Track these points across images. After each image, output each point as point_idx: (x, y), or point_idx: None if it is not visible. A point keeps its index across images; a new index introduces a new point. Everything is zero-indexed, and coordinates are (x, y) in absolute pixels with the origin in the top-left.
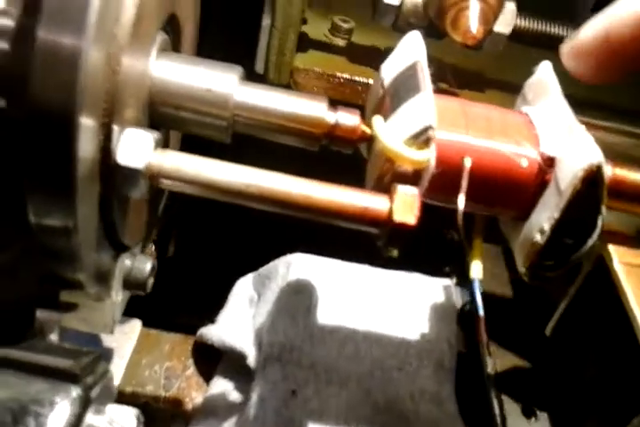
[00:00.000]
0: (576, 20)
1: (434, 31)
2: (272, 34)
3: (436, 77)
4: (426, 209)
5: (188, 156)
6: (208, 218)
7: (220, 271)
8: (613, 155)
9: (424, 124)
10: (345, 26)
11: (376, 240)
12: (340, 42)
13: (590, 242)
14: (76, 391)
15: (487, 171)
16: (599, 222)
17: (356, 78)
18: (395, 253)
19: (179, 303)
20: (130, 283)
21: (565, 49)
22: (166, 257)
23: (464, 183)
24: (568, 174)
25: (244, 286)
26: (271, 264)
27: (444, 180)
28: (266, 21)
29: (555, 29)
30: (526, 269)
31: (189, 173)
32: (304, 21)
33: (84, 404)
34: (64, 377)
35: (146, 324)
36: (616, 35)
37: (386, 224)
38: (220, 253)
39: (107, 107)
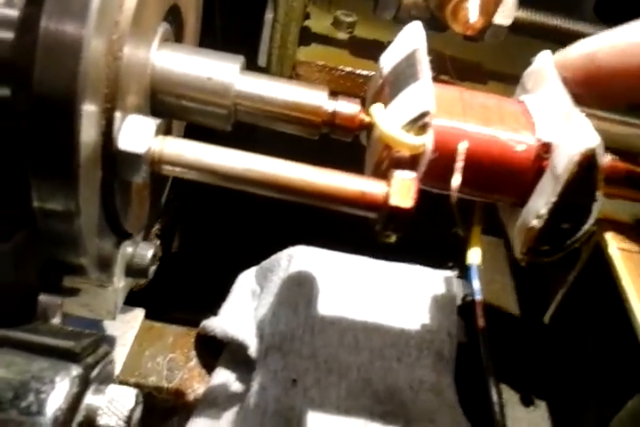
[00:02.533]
0: (577, 14)
1: (435, 24)
2: (275, 27)
3: (437, 70)
4: (430, 206)
5: (188, 141)
6: (212, 214)
7: (223, 266)
8: (615, 145)
9: (421, 110)
10: (347, 20)
11: (373, 225)
12: (343, 35)
13: (586, 227)
14: (76, 370)
15: (484, 157)
16: (594, 208)
17: (358, 71)
18: (392, 238)
19: (182, 298)
20: (132, 270)
21: (555, 57)
22: (170, 252)
23: (459, 165)
24: (564, 159)
25: (246, 280)
26: (273, 257)
27: (441, 165)
28: (268, 15)
29: (555, 22)
30: (523, 255)
31: (190, 158)
32: (307, 16)
33: (84, 383)
34: (65, 356)
35: (149, 317)
36: (601, 58)
37: (382, 208)
38: (224, 248)
39: (108, 92)
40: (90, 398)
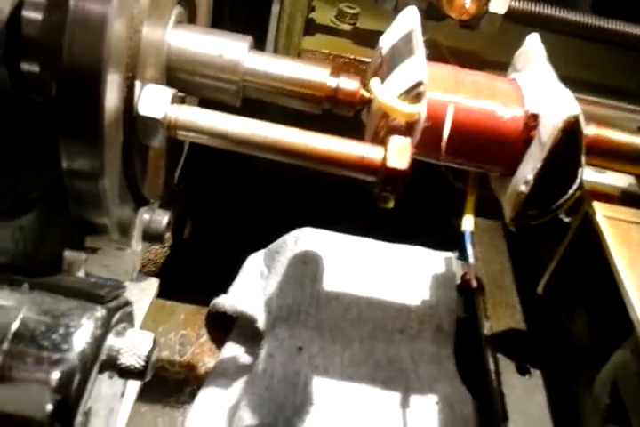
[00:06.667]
0: (574, 5)
1: (432, 13)
2: (281, 18)
3: (434, 58)
4: (433, 196)
5: (202, 109)
6: (221, 202)
7: (232, 251)
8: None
9: (415, 80)
10: (351, 12)
11: (372, 188)
12: (346, 27)
13: (571, 191)
14: (101, 312)
15: (474, 127)
16: (579, 173)
17: (361, 59)
18: (390, 203)
19: (193, 282)
20: (148, 235)
21: None
22: (182, 239)
23: (447, 125)
24: (549, 127)
25: (254, 261)
26: (280, 239)
27: (433, 135)
28: (275, 8)
29: (549, 10)
30: (513, 220)
31: (203, 124)
32: (312, 9)
33: (108, 324)
34: (90, 299)
35: (163, 298)
36: None
37: (380, 170)
38: (233, 234)
39: (129, 62)
40: (112, 340)
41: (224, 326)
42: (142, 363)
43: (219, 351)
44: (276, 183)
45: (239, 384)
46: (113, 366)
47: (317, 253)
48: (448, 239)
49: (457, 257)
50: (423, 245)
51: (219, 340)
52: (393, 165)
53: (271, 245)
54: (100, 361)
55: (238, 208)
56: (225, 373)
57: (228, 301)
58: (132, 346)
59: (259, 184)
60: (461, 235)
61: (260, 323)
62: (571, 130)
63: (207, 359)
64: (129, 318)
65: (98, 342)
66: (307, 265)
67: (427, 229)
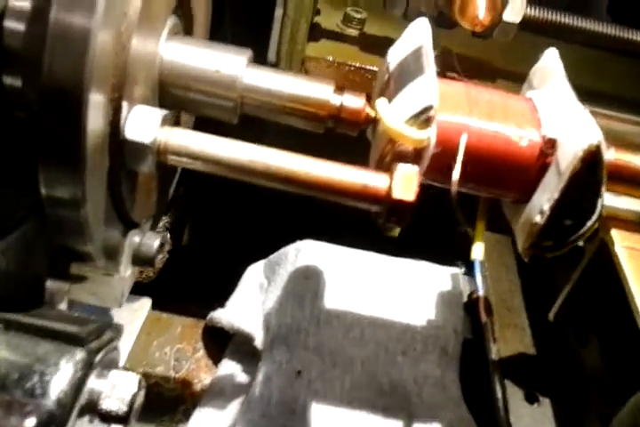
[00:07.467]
0: (591, 15)
1: (444, 20)
2: (284, 23)
3: (445, 67)
4: (437, 204)
5: (194, 133)
6: (221, 208)
7: (231, 259)
8: (617, 142)
9: (425, 104)
10: (357, 16)
11: (376, 218)
12: (353, 32)
13: (589, 223)
14: (80, 354)
15: (487, 152)
16: (599, 204)
17: (367, 67)
18: (396, 231)
19: (191, 290)
20: (138, 258)
21: None
22: (180, 245)
23: (459, 157)
24: (568, 155)
25: (254, 273)
26: (281, 251)
27: (444, 160)
28: (279, 11)
29: (565, 19)
30: (526, 250)
31: (196, 149)
32: (317, 12)
33: (88, 367)
34: (70, 340)
35: (158, 308)
36: None
37: (385, 201)
38: (232, 242)
39: (116, 82)
40: (93, 383)
41: (221, 341)
42: (125, 408)
43: (215, 367)
44: (278, 191)
45: (235, 406)
46: (93, 410)
47: (318, 268)
48: (454, 252)
49: (464, 273)
50: (428, 257)
51: (215, 355)
52: (399, 196)
53: (271, 256)
54: (79, 407)
55: (238, 215)
56: (221, 393)
57: (225, 315)
58: (115, 389)
59: (259, 192)
60: (471, 261)
61: (258, 342)
62: (591, 160)
63: (203, 376)
64: (113, 357)
65: (77, 387)
66: (308, 280)
67: (432, 240)
